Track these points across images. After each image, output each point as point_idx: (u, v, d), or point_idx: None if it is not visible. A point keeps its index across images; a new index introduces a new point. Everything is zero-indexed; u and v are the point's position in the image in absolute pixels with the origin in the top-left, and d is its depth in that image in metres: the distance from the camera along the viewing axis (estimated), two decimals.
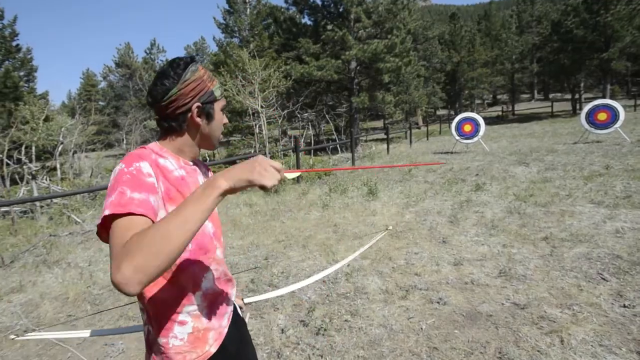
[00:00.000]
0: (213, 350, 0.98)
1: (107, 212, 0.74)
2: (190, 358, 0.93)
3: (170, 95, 0.92)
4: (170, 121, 0.95)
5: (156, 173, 0.87)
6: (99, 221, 0.76)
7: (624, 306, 2.51)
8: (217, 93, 0.99)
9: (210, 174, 1.14)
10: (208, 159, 16.27)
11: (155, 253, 0.64)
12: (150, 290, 0.90)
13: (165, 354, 0.92)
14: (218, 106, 1.00)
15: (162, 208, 0.85)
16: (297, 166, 8.45)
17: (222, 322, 1.03)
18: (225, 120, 1.05)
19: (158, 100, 0.92)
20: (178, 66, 0.93)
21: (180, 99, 0.92)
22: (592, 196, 5.13)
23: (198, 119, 0.95)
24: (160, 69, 0.96)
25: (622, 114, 9.95)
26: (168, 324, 0.92)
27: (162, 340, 0.92)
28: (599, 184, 5.77)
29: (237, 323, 1.14)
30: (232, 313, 1.10)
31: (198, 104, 0.94)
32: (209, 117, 0.97)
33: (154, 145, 0.97)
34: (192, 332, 0.94)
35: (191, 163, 1.01)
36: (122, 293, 0.64)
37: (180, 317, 0.93)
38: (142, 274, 0.63)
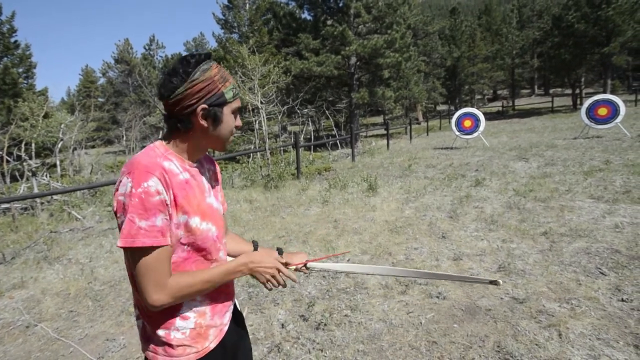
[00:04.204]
0: (212, 346, 1.00)
1: (120, 244, 0.84)
2: (190, 352, 0.95)
3: (177, 94, 0.89)
4: (176, 120, 0.92)
5: (166, 183, 0.87)
6: (119, 243, 0.85)
7: (622, 300, 2.52)
8: (229, 95, 0.95)
9: (217, 168, 1.15)
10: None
11: (184, 297, 0.91)
12: None
13: (167, 344, 0.94)
14: (228, 109, 0.96)
15: (174, 215, 0.90)
16: (297, 163, 8.45)
17: (223, 320, 1.05)
18: (238, 123, 1.01)
19: (165, 97, 0.90)
20: (188, 64, 0.90)
21: (186, 99, 0.89)
22: (592, 191, 5.13)
23: (203, 122, 0.92)
24: (171, 64, 0.92)
25: (622, 109, 9.94)
26: (170, 318, 0.94)
27: (162, 332, 0.94)
28: (598, 179, 5.78)
29: (236, 317, 1.15)
30: (232, 309, 1.12)
31: (204, 105, 0.91)
32: (215, 120, 0.93)
33: (160, 145, 0.95)
34: (194, 327, 0.96)
35: (195, 164, 1.00)
36: (150, 307, 0.88)
37: (183, 312, 0.95)
38: (172, 303, 0.89)
